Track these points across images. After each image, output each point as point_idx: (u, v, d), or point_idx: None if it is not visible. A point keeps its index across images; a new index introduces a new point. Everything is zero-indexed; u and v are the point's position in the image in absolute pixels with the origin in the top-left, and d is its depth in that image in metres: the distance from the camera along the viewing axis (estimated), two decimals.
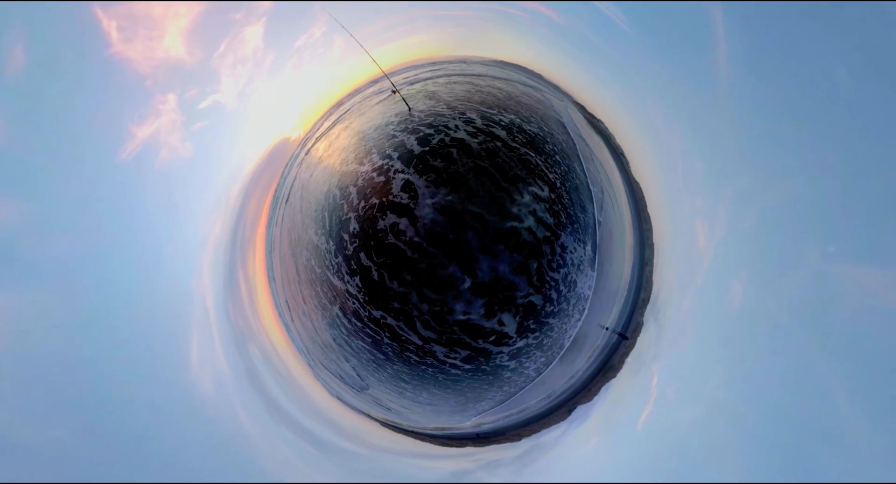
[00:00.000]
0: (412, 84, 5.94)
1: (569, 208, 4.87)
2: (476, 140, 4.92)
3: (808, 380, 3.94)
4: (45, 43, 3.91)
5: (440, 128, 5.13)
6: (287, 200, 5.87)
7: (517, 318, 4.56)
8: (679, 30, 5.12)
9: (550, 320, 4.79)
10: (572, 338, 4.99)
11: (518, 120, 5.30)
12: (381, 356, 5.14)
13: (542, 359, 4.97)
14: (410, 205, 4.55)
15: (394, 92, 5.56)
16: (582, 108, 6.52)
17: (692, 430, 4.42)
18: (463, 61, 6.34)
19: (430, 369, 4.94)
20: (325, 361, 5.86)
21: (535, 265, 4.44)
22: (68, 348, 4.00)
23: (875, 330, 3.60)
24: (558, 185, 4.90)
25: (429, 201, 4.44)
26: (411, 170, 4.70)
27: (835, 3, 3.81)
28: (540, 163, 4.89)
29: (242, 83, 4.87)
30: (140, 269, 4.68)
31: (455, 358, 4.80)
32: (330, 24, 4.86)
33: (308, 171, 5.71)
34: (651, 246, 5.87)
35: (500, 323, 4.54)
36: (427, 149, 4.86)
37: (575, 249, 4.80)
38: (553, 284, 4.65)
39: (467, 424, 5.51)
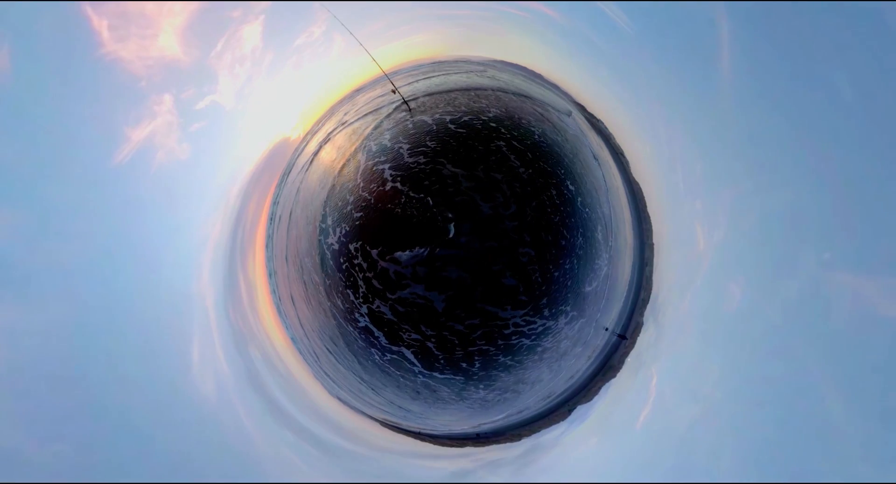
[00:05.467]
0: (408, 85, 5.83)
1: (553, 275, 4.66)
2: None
3: (803, 382, 4.04)
4: (33, 44, 3.77)
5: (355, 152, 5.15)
6: (286, 203, 5.83)
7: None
8: (681, 31, 5.10)
9: (495, 373, 4.82)
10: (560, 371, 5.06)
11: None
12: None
13: (513, 394, 5.02)
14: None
15: (393, 92, 5.50)
16: (582, 108, 6.50)
17: (690, 429, 4.52)
18: (465, 61, 6.28)
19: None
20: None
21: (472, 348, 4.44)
22: (68, 356, 3.96)
23: (868, 335, 3.69)
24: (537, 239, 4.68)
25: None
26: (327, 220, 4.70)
27: (840, 4, 3.80)
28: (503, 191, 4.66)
29: (241, 83, 4.76)
30: (139, 273, 4.62)
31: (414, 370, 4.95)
32: (330, 23, 4.76)
33: (306, 173, 5.66)
34: (651, 246, 5.92)
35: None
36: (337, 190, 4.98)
37: (557, 317, 4.72)
38: (502, 350, 4.63)
39: (466, 425, 5.60)
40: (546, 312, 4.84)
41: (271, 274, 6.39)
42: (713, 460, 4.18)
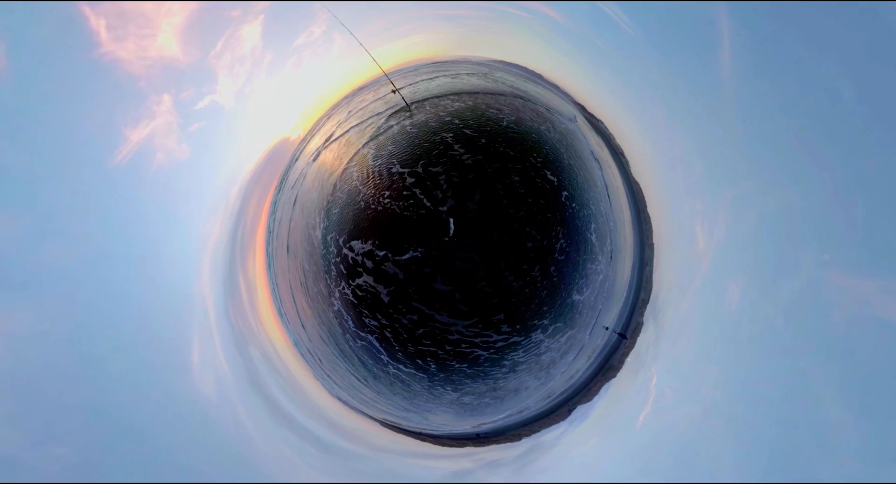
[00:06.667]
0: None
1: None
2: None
3: (802, 382, 4.05)
4: (30, 44, 3.76)
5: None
6: (286, 203, 5.83)
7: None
8: (682, 31, 5.09)
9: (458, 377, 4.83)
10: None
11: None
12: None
13: (494, 399, 4.99)
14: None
15: (394, 92, 5.49)
16: (582, 108, 6.50)
17: (690, 429, 4.53)
18: (465, 61, 6.26)
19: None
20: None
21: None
22: (68, 356, 3.96)
23: (865, 336, 3.70)
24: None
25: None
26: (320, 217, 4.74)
27: (840, 4, 3.80)
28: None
29: (240, 83, 4.75)
30: (139, 274, 4.62)
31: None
32: (330, 23, 4.74)
33: (306, 174, 5.65)
34: (651, 246, 5.92)
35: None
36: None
37: (527, 332, 4.40)
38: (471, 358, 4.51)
39: (466, 425, 5.60)
40: (505, 328, 4.07)
41: (271, 274, 6.39)
42: (713, 460, 4.19)
